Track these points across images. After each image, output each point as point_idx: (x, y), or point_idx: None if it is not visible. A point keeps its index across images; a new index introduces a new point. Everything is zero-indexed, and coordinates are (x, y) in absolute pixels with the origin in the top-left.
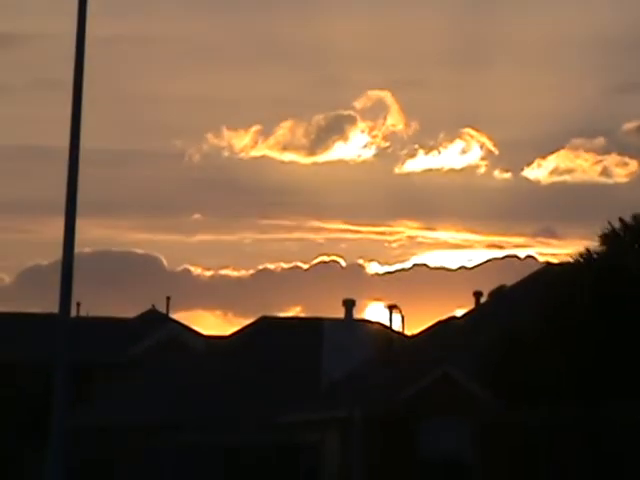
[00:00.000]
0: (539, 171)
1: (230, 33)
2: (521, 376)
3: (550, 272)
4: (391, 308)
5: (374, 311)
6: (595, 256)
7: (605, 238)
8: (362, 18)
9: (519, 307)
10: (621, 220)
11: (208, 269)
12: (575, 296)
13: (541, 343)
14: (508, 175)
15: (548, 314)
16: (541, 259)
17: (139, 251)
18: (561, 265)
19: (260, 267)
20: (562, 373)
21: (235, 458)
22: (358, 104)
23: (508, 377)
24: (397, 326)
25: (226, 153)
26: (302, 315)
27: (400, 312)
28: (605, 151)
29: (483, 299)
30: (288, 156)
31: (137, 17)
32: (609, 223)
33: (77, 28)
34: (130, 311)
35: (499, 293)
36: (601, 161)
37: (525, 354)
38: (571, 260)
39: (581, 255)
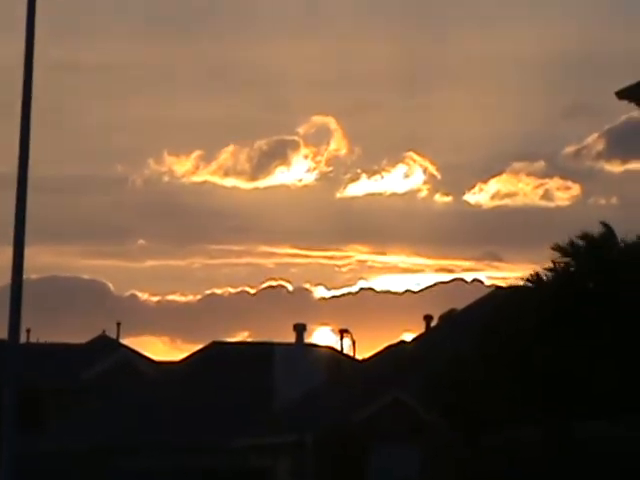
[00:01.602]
0: (481, 195)
1: (172, 58)
2: (470, 401)
3: (499, 295)
4: (342, 332)
5: (322, 335)
6: (545, 278)
7: (555, 261)
8: (306, 43)
9: (469, 331)
10: (571, 243)
11: (155, 295)
12: (523, 319)
13: (489, 367)
14: (449, 199)
15: (496, 338)
16: (488, 282)
17: (86, 277)
18: (510, 288)
19: (207, 292)
20: (511, 397)
21: None
22: (302, 129)
23: (457, 402)
24: (347, 350)
25: (168, 178)
26: (250, 340)
27: (351, 336)
28: (546, 175)
29: (433, 323)
30: (230, 181)
31: (81, 44)
32: (557, 247)
33: (25, 55)
34: (79, 337)
35: (449, 317)
36: (542, 184)
37: (474, 379)
38: (520, 283)
39: (529, 279)
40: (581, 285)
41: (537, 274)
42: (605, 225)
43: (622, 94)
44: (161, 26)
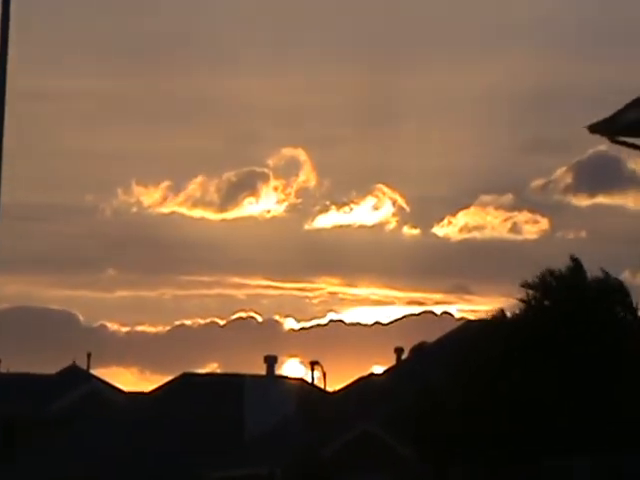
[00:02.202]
0: (449, 228)
1: (143, 89)
2: (439, 432)
3: (470, 328)
4: (312, 364)
5: (291, 367)
6: (509, 315)
7: (533, 286)
8: (275, 76)
9: (440, 363)
10: (540, 278)
11: (125, 325)
12: (492, 350)
13: (459, 398)
14: (418, 232)
15: (466, 369)
16: (457, 315)
17: (55, 307)
18: (480, 322)
19: (177, 323)
20: (479, 433)
21: None
22: (271, 161)
23: (426, 433)
24: (318, 382)
25: (137, 209)
26: (219, 371)
27: (321, 368)
28: (514, 208)
29: (404, 355)
30: (198, 212)
31: (51, 73)
32: (525, 284)
33: None
34: (49, 367)
35: (420, 349)
36: (511, 218)
37: (444, 412)
38: (488, 317)
39: (495, 316)
40: (551, 316)
41: (502, 310)
42: (574, 259)
43: (594, 128)
44: (132, 57)
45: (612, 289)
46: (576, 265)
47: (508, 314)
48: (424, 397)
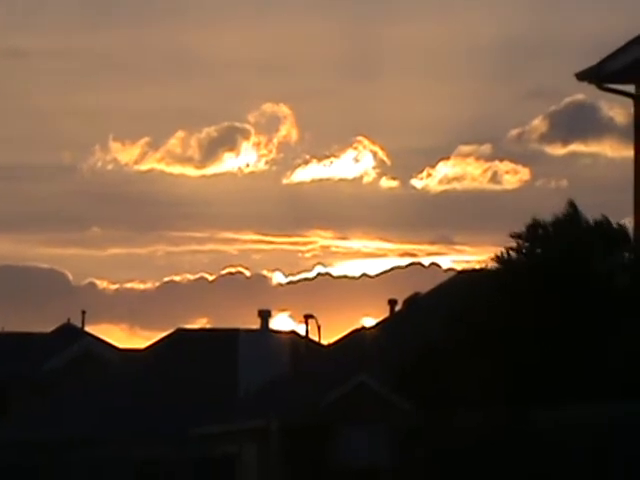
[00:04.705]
0: (430, 180)
1: (119, 44)
2: (440, 383)
3: (465, 279)
4: (307, 318)
5: (281, 321)
6: (514, 256)
7: (524, 235)
8: (255, 30)
9: (435, 315)
10: (533, 224)
11: (114, 283)
12: (494, 302)
13: (461, 349)
14: (416, 182)
15: (466, 320)
16: (445, 266)
17: (43, 266)
18: (476, 271)
19: (166, 279)
20: (483, 379)
21: (152, 471)
22: (251, 117)
23: (426, 385)
24: (311, 335)
25: (115, 166)
26: (209, 326)
27: (316, 321)
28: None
29: (397, 307)
30: (178, 169)
31: (26, 31)
32: (514, 235)
33: None
34: (41, 326)
35: (414, 301)
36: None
37: (443, 361)
38: (486, 265)
39: (498, 258)
40: (551, 264)
41: (507, 253)
42: (571, 204)
43: (582, 76)
44: (108, 13)
45: (614, 232)
46: (574, 210)
47: (497, 265)
48: (428, 353)
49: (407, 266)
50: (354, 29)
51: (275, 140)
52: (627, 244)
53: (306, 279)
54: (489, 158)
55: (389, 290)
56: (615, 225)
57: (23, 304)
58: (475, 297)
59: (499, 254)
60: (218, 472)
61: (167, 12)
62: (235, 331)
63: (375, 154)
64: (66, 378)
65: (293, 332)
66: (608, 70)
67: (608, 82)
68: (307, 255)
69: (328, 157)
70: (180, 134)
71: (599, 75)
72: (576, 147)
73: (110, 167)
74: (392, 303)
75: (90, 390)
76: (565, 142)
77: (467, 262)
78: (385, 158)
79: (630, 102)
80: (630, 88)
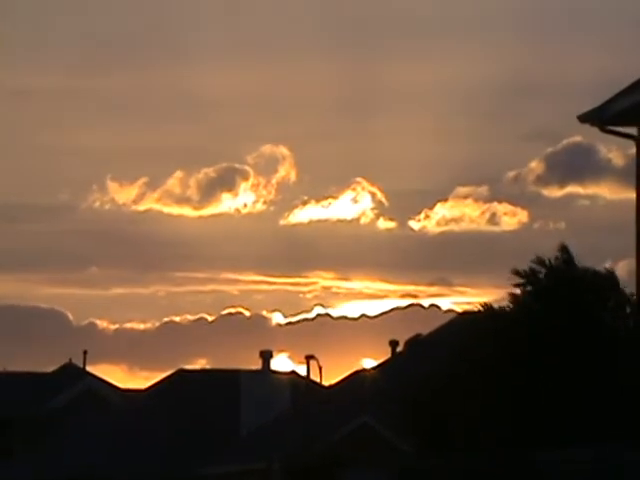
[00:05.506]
0: (430, 221)
1: (119, 85)
2: (439, 424)
3: (465, 320)
4: (308, 358)
5: (280, 362)
6: (499, 307)
7: (519, 282)
8: (253, 71)
9: (436, 357)
10: (536, 265)
11: (114, 323)
12: (489, 343)
13: (457, 391)
14: (414, 224)
15: (468, 363)
16: (445, 308)
17: (44, 306)
18: (476, 313)
19: (166, 319)
20: (479, 421)
21: None
22: (250, 158)
23: (426, 426)
24: (312, 376)
25: (113, 206)
26: (209, 367)
27: (317, 362)
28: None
29: (399, 348)
30: (176, 209)
31: (28, 70)
32: (515, 272)
33: None
34: (42, 366)
35: (415, 342)
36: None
37: (442, 403)
38: (480, 310)
39: (486, 308)
40: (551, 305)
41: (513, 295)
42: (564, 248)
43: (584, 118)
44: (109, 54)
45: (604, 278)
46: (567, 254)
47: (496, 306)
48: (424, 387)
49: (407, 307)
50: (352, 72)
51: (274, 181)
52: (617, 288)
53: (305, 319)
54: (487, 200)
55: (388, 331)
56: (604, 270)
57: (24, 344)
58: (479, 337)
59: (513, 293)
60: None
61: (166, 54)
62: (237, 372)
63: (373, 195)
64: (68, 417)
65: (293, 372)
66: (610, 112)
67: (610, 124)
68: (308, 296)
69: (326, 198)
70: (178, 174)
71: (601, 117)
72: (574, 189)
73: (108, 207)
74: (393, 344)
75: (92, 430)
76: (563, 184)
77: (467, 303)
78: (383, 199)
79: (630, 144)
80: (632, 130)
